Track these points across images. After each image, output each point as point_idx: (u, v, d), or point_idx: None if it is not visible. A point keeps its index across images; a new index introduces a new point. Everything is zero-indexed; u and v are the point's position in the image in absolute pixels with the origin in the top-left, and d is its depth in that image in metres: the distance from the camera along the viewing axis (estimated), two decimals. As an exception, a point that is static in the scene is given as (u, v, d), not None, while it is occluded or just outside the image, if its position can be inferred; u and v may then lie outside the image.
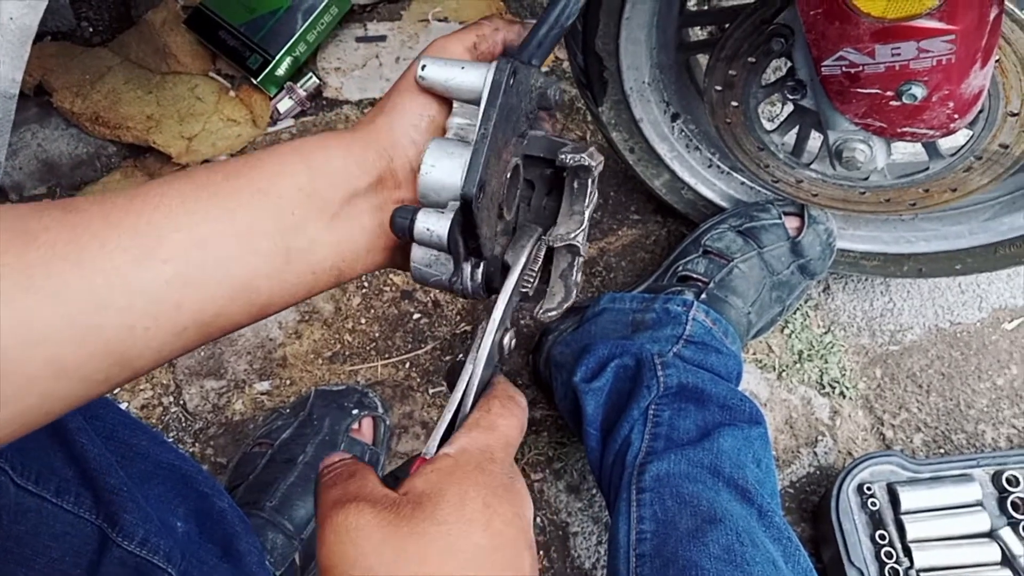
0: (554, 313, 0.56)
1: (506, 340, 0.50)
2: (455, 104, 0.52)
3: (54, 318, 0.39)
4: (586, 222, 0.55)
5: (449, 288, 0.53)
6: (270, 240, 0.47)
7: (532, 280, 0.54)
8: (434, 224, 0.48)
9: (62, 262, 0.40)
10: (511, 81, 0.48)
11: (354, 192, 0.51)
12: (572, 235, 0.55)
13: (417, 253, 0.52)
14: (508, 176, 0.52)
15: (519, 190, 0.56)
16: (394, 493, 0.41)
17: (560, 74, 1.39)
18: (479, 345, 0.48)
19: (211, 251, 0.45)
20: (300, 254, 0.49)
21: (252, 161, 0.48)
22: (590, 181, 0.55)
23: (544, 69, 1.39)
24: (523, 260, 0.53)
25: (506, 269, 0.53)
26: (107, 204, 0.43)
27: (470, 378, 0.47)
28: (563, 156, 0.53)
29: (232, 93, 1.37)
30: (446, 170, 0.49)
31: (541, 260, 0.56)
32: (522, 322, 1.22)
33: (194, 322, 0.45)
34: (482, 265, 0.52)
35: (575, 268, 0.57)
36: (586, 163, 0.53)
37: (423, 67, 0.51)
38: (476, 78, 0.50)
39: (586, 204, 0.56)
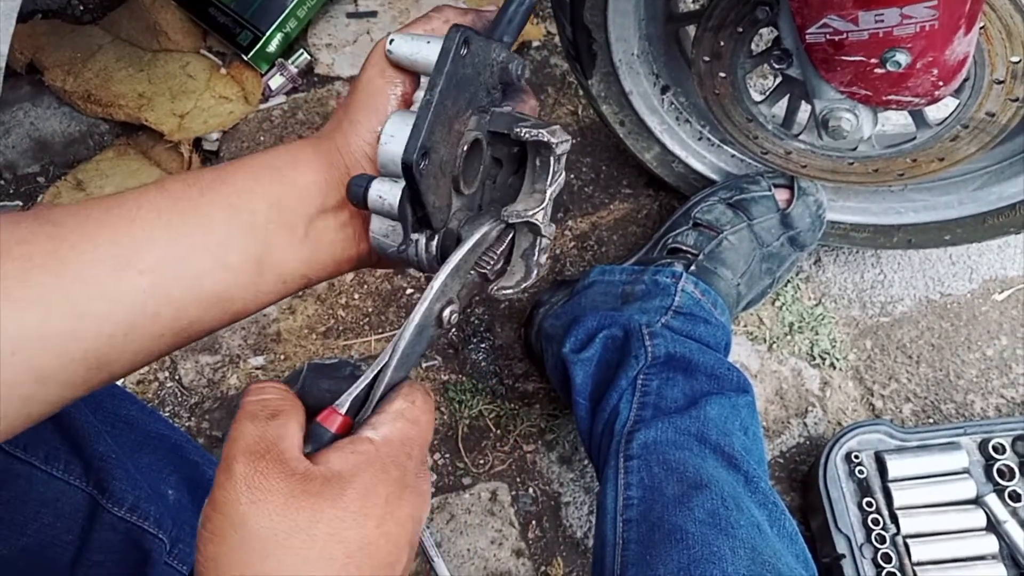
0: (510, 291, 0.56)
1: (447, 313, 0.50)
2: (423, 78, 0.53)
3: (32, 327, 0.41)
4: (547, 200, 0.54)
5: (404, 259, 0.53)
6: (242, 254, 0.49)
7: (492, 262, 0.54)
8: (386, 192, 0.49)
9: (40, 272, 0.42)
10: (463, 51, 0.48)
11: (322, 209, 0.53)
12: (529, 212, 0.53)
13: (375, 224, 0.52)
14: (465, 149, 0.52)
15: (482, 166, 0.55)
16: (307, 462, 0.42)
17: (551, 48, 1.39)
18: (415, 311, 0.47)
19: (186, 264, 0.46)
20: (271, 266, 0.51)
21: (224, 176, 0.50)
22: (552, 159, 0.54)
23: (536, 43, 1.39)
24: (477, 236, 0.52)
25: (459, 241, 0.53)
26: (83, 215, 0.45)
27: (397, 340, 0.47)
28: (518, 129, 0.52)
29: (223, 70, 1.37)
30: (403, 140, 0.49)
31: (506, 243, 0.55)
32: (514, 296, 1.23)
33: (170, 329, 0.47)
34: (436, 238, 0.52)
35: (537, 248, 0.56)
36: (544, 139, 0.51)
37: (391, 41, 0.52)
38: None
39: (548, 183, 0.54)
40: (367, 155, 0.53)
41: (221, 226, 0.48)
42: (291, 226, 0.51)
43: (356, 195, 0.50)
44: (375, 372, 0.46)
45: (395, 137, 0.49)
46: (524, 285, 0.56)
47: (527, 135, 0.52)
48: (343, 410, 0.45)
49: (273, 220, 0.50)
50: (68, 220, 0.44)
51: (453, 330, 1.21)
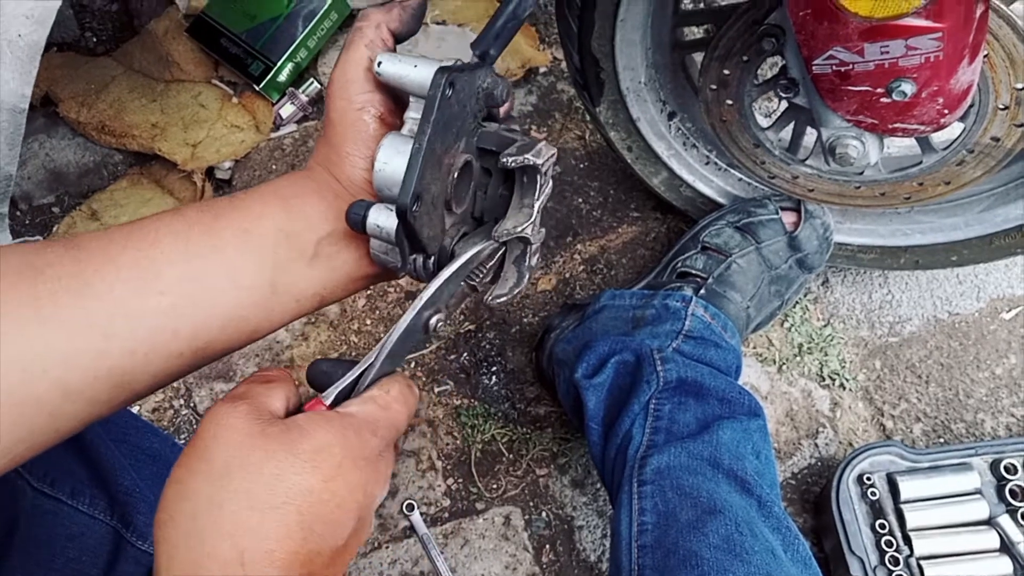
0: (504, 298, 0.59)
1: (433, 320, 0.53)
2: (411, 98, 0.54)
3: (61, 344, 0.44)
4: (535, 214, 0.58)
5: (405, 274, 0.56)
6: (255, 275, 0.51)
7: (482, 275, 0.57)
8: (384, 222, 0.52)
9: (67, 294, 0.44)
10: (448, 93, 0.50)
11: (330, 232, 0.55)
12: (519, 229, 0.57)
13: (374, 243, 0.55)
14: (456, 175, 0.54)
15: (473, 181, 0.58)
16: (275, 416, 0.45)
17: (558, 73, 1.41)
18: (403, 319, 0.51)
19: (202, 284, 0.49)
20: (284, 287, 0.53)
21: (237, 203, 0.53)
22: (538, 176, 0.57)
23: (543, 69, 1.40)
24: (468, 255, 0.55)
25: (453, 257, 0.56)
26: (107, 240, 0.47)
27: (385, 343, 0.50)
28: (504, 160, 0.55)
29: (235, 100, 1.39)
30: (397, 167, 0.51)
31: (496, 257, 0.59)
32: (525, 320, 1.24)
33: (188, 348, 0.49)
34: (433, 256, 0.55)
35: (528, 255, 0.59)
36: (530, 163, 0.54)
37: (379, 63, 0.53)
38: (428, 75, 0.52)
39: (536, 197, 0.58)
40: (365, 179, 0.55)
41: (234, 249, 0.51)
42: (300, 250, 0.53)
43: (355, 222, 0.52)
44: (361, 369, 0.50)
45: (388, 164, 0.52)
46: (516, 291, 0.59)
47: (513, 163, 0.55)
48: (328, 401, 0.49)
49: (282, 244, 0.53)
50: (92, 245, 0.47)
51: (465, 355, 1.22)
